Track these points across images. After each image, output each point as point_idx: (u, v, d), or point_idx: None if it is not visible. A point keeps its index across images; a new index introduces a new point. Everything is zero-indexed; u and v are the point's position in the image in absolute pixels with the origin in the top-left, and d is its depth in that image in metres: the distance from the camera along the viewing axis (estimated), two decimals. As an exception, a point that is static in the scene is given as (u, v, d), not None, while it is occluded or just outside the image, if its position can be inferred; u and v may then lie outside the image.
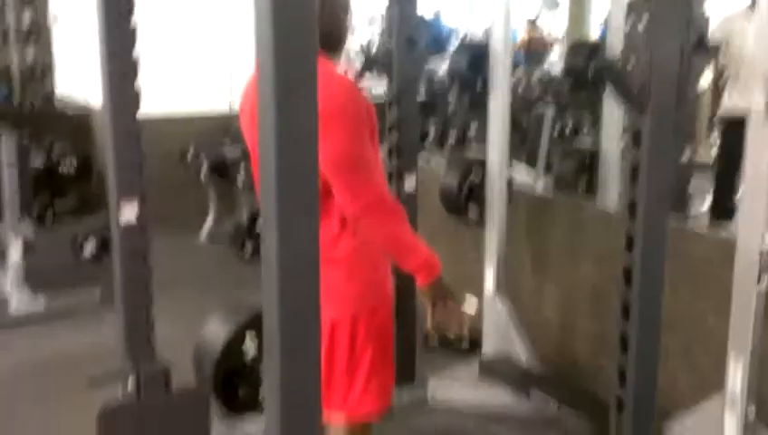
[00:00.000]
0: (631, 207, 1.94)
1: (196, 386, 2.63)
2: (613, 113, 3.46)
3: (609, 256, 3.10)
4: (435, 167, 4.08)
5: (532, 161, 4.31)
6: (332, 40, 1.96)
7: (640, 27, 1.81)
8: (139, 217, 2.38)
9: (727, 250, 2.56)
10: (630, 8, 1.87)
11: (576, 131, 3.63)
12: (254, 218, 5.55)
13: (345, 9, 2.01)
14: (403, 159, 2.98)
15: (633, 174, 1.92)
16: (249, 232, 5.52)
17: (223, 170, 5.69)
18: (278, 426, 1.33)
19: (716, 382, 2.59)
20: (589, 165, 3.49)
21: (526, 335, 3.27)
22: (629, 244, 1.97)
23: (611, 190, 3.43)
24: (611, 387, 2.10)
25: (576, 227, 3.29)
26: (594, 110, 3.67)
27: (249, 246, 5.46)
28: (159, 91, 5.17)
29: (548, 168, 4.03)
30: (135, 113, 2.34)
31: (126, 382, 2.37)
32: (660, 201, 1.93)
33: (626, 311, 2.01)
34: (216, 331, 2.83)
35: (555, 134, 3.83)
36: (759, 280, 2.25)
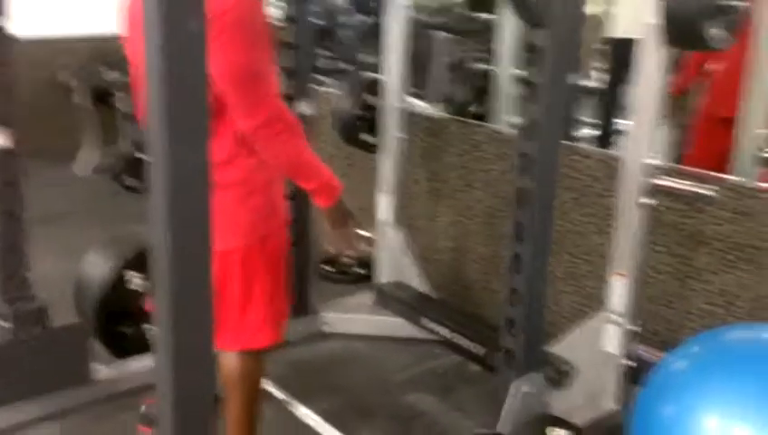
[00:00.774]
0: (528, 127, 1.94)
1: (74, 324, 2.49)
2: (505, 38, 3.45)
3: (503, 178, 3.15)
4: (330, 92, 3.98)
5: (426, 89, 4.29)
6: None
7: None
8: (9, 146, 2.19)
9: (612, 168, 2.65)
10: None
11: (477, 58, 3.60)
12: (137, 148, 5.32)
13: None
14: (298, 83, 2.87)
15: (531, 93, 1.92)
16: (132, 162, 5.29)
17: (102, 97, 5.38)
18: (171, 359, 1.26)
19: (599, 297, 2.70)
20: (482, 90, 3.49)
21: (421, 263, 3.29)
22: (524, 164, 1.98)
23: (503, 114, 3.45)
24: (502, 308, 2.15)
25: (470, 149, 3.29)
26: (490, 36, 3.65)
27: (130, 177, 5.25)
28: (30, 13, 4.80)
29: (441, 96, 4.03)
30: (3, 36, 2.14)
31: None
32: (555, 120, 1.94)
33: (519, 231, 2.04)
34: (98, 267, 2.68)
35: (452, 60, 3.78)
36: (639, 201, 2.33)
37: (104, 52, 5.47)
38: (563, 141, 2.27)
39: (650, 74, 2.23)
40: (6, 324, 2.21)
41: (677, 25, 1.96)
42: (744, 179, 2.52)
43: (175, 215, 1.17)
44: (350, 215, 1.92)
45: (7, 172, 2.20)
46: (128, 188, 5.20)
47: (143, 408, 2.38)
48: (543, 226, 2.03)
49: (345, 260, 3.76)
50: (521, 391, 2.13)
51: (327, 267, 3.69)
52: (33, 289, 2.29)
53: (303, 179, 1.86)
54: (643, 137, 2.26)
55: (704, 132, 3.74)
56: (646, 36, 2.20)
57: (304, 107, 2.86)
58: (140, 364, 2.69)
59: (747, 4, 2.03)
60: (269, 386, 2.56)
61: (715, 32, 1.97)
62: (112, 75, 5.20)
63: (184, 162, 1.16)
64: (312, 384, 2.79)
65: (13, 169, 2.20)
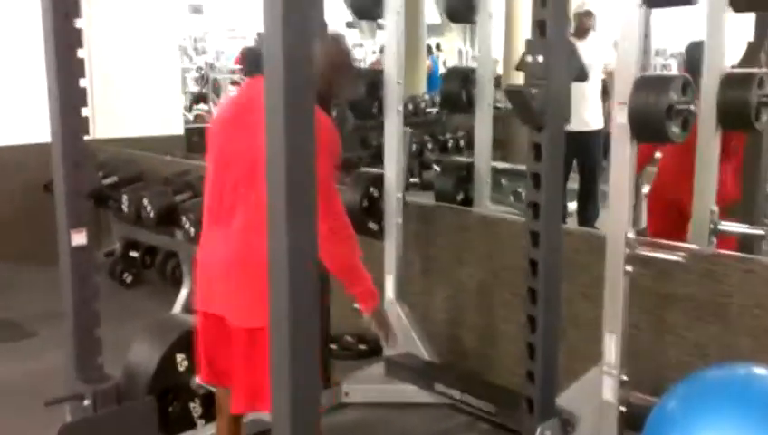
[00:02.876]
0: (535, 208, 2.38)
1: (145, 400, 2.76)
2: (482, 133, 3.94)
3: (490, 256, 3.58)
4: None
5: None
6: (321, 96, 2.21)
7: (540, 60, 2.26)
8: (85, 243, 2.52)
9: (593, 243, 3.10)
10: (529, 46, 2.32)
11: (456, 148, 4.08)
12: (128, 246, 5.59)
13: (337, 69, 2.29)
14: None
15: (535, 181, 2.36)
16: (129, 260, 5.56)
17: (96, 198, 5.65)
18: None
19: (587, 356, 3.10)
20: (465, 178, 3.95)
21: (424, 335, 3.66)
22: (534, 239, 2.41)
23: (484, 198, 3.90)
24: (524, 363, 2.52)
25: (459, 231, 3.73)
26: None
27: (127, 275, 5.50)
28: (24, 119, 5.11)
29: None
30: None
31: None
32: (557, 202, 2.39)
33: (533, 296, 2.45)
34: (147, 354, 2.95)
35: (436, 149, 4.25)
36: (624, 269, 2.77)
37: (93, 153, 5.79)
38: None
39: (623, 163, 2.71)
40: (87, 402, 2.47)
41: (644, 124, 2.45)
42: (705, 247, 3.00)
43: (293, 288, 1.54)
44: (384, 314, 2.30)
45: (83, 267, 2.52)
46: (125, 284, 5.46)
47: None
48: (554, 290, 2.45)
49: (348, 339, 4.10)
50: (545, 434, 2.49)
51: (332, 346, 4.02)
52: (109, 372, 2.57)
53: (353, 283, 2.33)
54: (622, 214, 2.73)
55: (656, 210, 4.28)
56: (618, 132, 2.69)
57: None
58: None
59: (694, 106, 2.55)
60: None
61: (674, 129, 2.48)
62: (107, 177, 5.50)
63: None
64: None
65: (88, 264, 2.52)
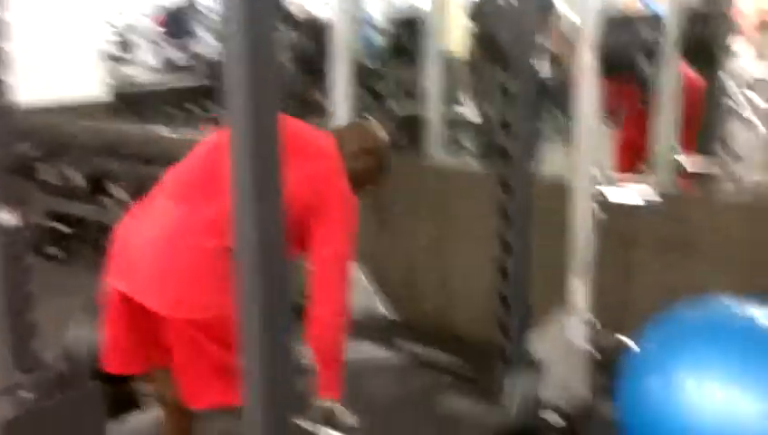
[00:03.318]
0: (503, 154, 2.25)
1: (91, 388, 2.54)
2: (434, 81, 3.78)
3: (446, 208, 3.46)
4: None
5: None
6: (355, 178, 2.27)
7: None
8: (18, 224, 2.27)
9: (557, 186, 3.01)
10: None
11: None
12: (57, 219, 5.27)
13: (378, 161, 2.40)
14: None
15: (504, 126, 2.23)
16: (52, 233, 5.23)
17: (20, 168, 5.27)
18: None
19: (554, 302, 3.03)
20: (409, 125, 3.80)
21: (381, 292, 3.53)
22: (504, 187, 2.28)
23: (436, 148, 3.77)
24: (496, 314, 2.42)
25: (415, 184, 3.59)
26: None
27: (56, 249, 5.18)
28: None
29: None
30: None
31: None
32: (529, 149, 2.26)
33: (505, 246, 2.33)
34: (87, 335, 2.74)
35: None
36: (592, 211, 2.69)
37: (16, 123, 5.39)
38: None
39: (588, 104, 2.60)
40: (26, 393, 2.26)
41: (614, 60, 2.34)
42: (669, 187, 2.95)
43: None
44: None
45: (14, 248, 2.28)
46: (48, 257, 5.14)
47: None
48: (525, 239, 2.34)
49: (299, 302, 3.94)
50: (519, 384, 2.40)
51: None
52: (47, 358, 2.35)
53: (331, 367, 2.20)
54: (588, 156, 2.63)
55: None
56: (582, 72, 2.58)
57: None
58: (148, 417, 2.77)
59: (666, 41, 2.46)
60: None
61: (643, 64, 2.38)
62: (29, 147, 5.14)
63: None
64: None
65: (20, 244, 2.28)
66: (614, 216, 2.91)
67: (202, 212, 2.04)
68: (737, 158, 3.73)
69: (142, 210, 2.18)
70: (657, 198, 2.57)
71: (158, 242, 2.06)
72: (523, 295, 2.38)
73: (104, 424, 2.54)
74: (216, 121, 5.17)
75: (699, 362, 2.14)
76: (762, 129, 3.87)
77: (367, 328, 3.39)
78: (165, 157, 2.85)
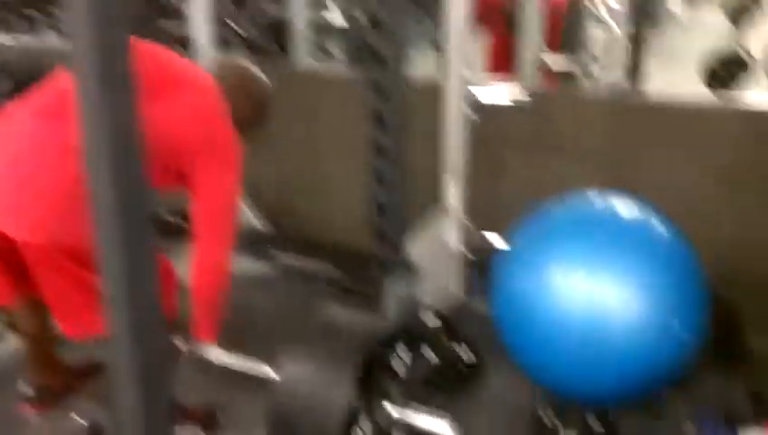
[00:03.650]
0: (375, 56, 2.18)
1: None
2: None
3: (315, 113, 3.37)
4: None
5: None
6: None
7: None
8: None
9: (428, 87, 2.99)
10: None
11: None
12: None
13: (255, 105, 2.31)
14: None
15: (374, 26, 2.14)
16: None
17: None
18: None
19: (425, 205, 3.06)
20: (275, 31, 3.64)
21: (252, 203, 3.44)
22: (377, 91, 2.22)
23: (303, 54, 3.64)
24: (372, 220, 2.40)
25: (281, 89, 3.45)
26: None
27: None
28: None
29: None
30: None
31: None
32: (401, 51, 2.20)
33: (378, 150, 2.29)
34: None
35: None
36: (464, 116, 2.69)
37: None
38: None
39: (458, 7, 2.55)
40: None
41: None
42: (533, 85, 2.99)
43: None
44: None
45: None
46: None
47: (25, 387, 2.33)
48: (397, 142, 2.30)
49: (169, 219, 3.78)
50: (396, 289, 2.42)
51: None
52: None
53: (211, 313, 2.13)
54: (458, 60, 2.60)
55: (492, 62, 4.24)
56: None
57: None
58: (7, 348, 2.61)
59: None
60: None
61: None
62: None
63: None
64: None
65: None
66: (485, 117, 2.94)
67: (64, 131, 1.86)
68: (595, 58, 3.86)
69: None
70: (525, 98, 2.60)
71: (15, 163, 1.87)
72: (399, 201, 2.37)
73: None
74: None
75: (566, 257, 2.22)
76: (616, 29, 4.00)
77: (240, 242, 3.29)
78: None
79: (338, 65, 3.91)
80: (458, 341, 2.53)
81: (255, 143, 3.53)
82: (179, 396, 2.27)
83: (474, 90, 2.63)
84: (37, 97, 1.99)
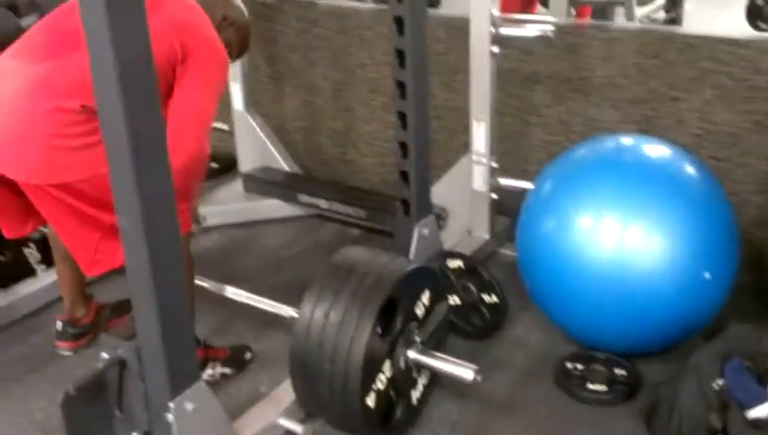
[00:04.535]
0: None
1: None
2: None
3: (343, 52, 3.29)
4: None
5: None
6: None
7: None
8: None
9: (454, 26, 2.89)
10: None
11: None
12: None
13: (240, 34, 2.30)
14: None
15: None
16: None
17: None
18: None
19: (452, 148, 3.00)
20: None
21: (280, 145, 3.41)
22: (399, 27, 2.15)
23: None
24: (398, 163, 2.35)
25: (307, 27, 3.38)
26: None
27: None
28: None
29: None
30: None
31: None
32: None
33: (402, 90, 2.23)
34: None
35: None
36: (490, 50, 2.61)
37: None
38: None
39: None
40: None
41: None
42: (565, 19, 2.87)
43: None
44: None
45: None
46: None
47: (59, 324, 2.38)
48: (422, 83, 2.24)
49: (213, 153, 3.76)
50: (421, 232, 2.39)
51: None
52: None
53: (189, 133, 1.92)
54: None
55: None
56: None
57: None
58: (33, 288, 2.65)
59: None
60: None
61: None
62: None
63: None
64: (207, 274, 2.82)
65: None
66: (512, 55, 2.85)
67: (62, 71, 1.84)
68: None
69: None
70: (551, 30, 2.50)
71: (13, 105, 1.86)
72: (423, 142, 2.32)
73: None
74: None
75: (594, 201, 2.17)
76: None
77: (265, 184, 3.29)
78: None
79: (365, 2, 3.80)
80: (482, 285, 2.51)
81: (282, 81, 3.50)
82: (204, 333, 2.31)
83: (499, 24, 2.54)
84: (31, 40, 1.99)
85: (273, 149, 3.35)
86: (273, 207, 3.27)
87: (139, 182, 1.41)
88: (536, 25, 2.55)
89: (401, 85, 2.22)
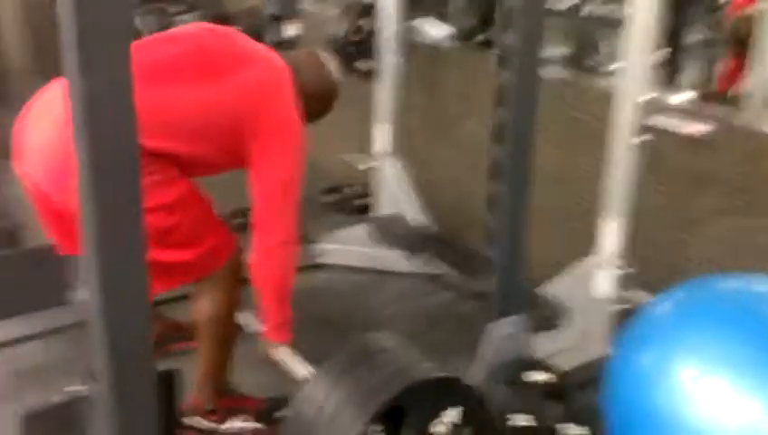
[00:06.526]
0: (500, 59, 1.81)
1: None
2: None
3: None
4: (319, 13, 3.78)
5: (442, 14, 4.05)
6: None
7: None
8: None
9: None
10: None
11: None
12: None
13: (326, 95, 2.17)
14: (284, 2, 2.76)
15: (505, 18, 1.77)
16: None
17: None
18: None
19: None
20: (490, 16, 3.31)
21: (420, 197, 3.18)
22: (502, 94, 1.85)
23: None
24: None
25: (473, 80, 3.14)
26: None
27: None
28: None
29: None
30: None
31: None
32: (533, 48, 1.79)
33: (496, 168, 1.93)
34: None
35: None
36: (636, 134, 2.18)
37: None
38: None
39: (646, 7, 2.05)
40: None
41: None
42: (749, 120, 2.35)
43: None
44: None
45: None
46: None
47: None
48: (522, 162, 1.91)
49: (347, 191, 3.68)
50: (497, 334, 2.05)
51: (327, 198, 3.64)
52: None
53: (280, 309, 2.00)
54: (638, 73, 2.10)
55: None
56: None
57: (290, 29, 2.75)
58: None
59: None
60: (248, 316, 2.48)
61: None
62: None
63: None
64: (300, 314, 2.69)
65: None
66: (674, 147, 2.37)
67: None
68: None
69: (42, 94, 1.94)
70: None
71: (53, 126, 1.83)
72: (515, 228, 1.98)
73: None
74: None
75: (701, 343, 1.69)
76: None
77: (389, 234, 3.08)
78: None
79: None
80: (567, 413, 2.09)
81: (431, 141, 3.25)
82: (238, 384, 2.16)
83: (651, 110, 2.12)
84: None
85: (409, 201, 3.14)
86: (388, 260, 3.06)
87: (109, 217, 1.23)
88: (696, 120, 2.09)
89: (495, 162, 1.91)
